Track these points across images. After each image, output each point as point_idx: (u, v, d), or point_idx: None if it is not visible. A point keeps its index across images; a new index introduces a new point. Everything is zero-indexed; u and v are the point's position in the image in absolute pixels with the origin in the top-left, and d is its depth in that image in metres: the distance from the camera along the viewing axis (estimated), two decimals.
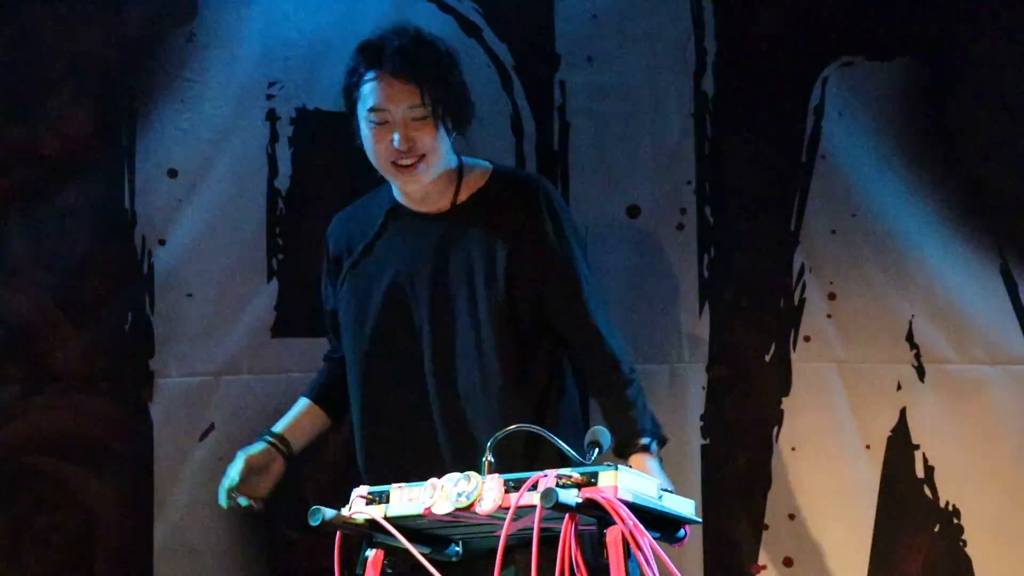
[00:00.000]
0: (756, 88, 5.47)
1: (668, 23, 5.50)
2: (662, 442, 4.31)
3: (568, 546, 3.09)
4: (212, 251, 5.52)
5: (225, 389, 5.54)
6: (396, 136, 4.09)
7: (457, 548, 3.52)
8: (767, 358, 5.56)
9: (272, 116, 5.49)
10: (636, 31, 5.51)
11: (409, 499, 3.27)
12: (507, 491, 3.15)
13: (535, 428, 3.53)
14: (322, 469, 5.41)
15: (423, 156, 4.11)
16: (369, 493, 3.35)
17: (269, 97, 5.50)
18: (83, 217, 5.49)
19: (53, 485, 5.48)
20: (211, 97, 5.55)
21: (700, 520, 3.36)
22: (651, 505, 3.18)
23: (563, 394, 4.40)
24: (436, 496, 3.23)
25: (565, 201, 5.38)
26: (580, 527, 3.11)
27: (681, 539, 3.33)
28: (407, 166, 4.11)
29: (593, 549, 3.27)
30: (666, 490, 3.30)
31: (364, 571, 3.37)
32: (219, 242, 5.53)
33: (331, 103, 5.54)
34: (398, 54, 4.17)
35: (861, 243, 5.39)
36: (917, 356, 5.35)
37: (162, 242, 5.48)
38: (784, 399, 5.41)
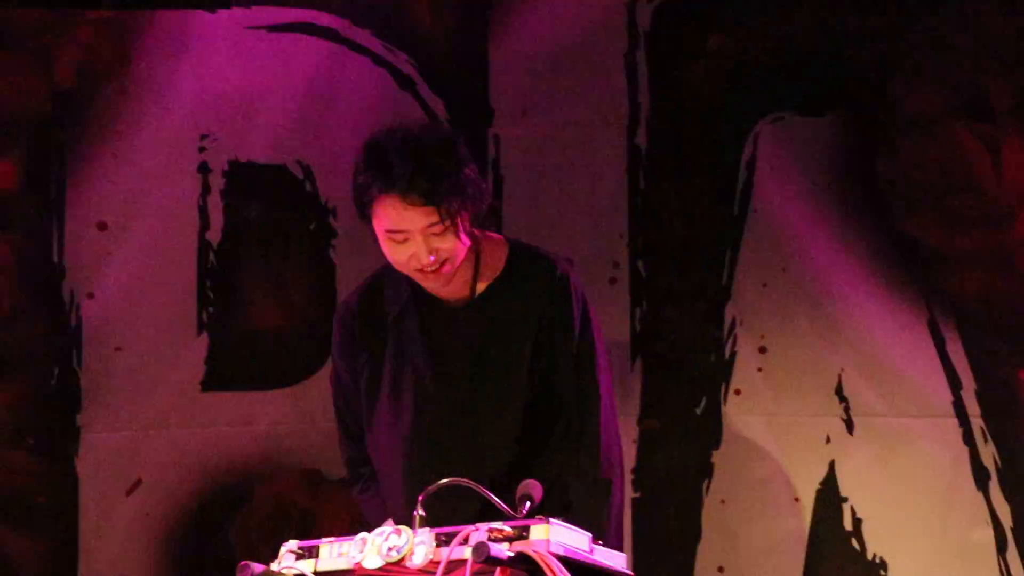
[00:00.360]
0: (689, 142, 5.52)
1: (602, 77, 5.55)
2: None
3: None
4: (141, 304, 5.49)
5: (153, 444, 5.44)
6: (420, 250, 4.03)
7: None
8: (698, 411, 5.55)
9: (204, 168, 5.48)
10: (570, 85, 5.56)
11: (339, 554, 3.22)
12: (439, 545, 3.08)
13: (467, 482, 3.44)
14: (252, 522, 5.34)
15: (446, 260, 4.08)
16: (299, 547, 3.26)
17: (201, 149, 5.51)
18: (10, 270, 5.47)
19: None
20: (142, 149, 5.54)
21: (631, 573, 3.29)
22: (583, 558, 3.14)
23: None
24: (367, 551, 3.17)
25: None
26: None
27: None
28: (432, 272, 4.07)
29: None
30: (597, 543, 3.25)
31: None
32: (149, 295, 5.50)
33: (263, 155, 5.56)
34: (410, 178, 4.05)
35: (792, 297, 5.42)
36: (846, 409, 5.39)
37: (91, 295, 5.45)
38: (715, 452, 5.41)
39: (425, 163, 4.07)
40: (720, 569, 5.52)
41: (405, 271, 4.13)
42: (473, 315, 4.23)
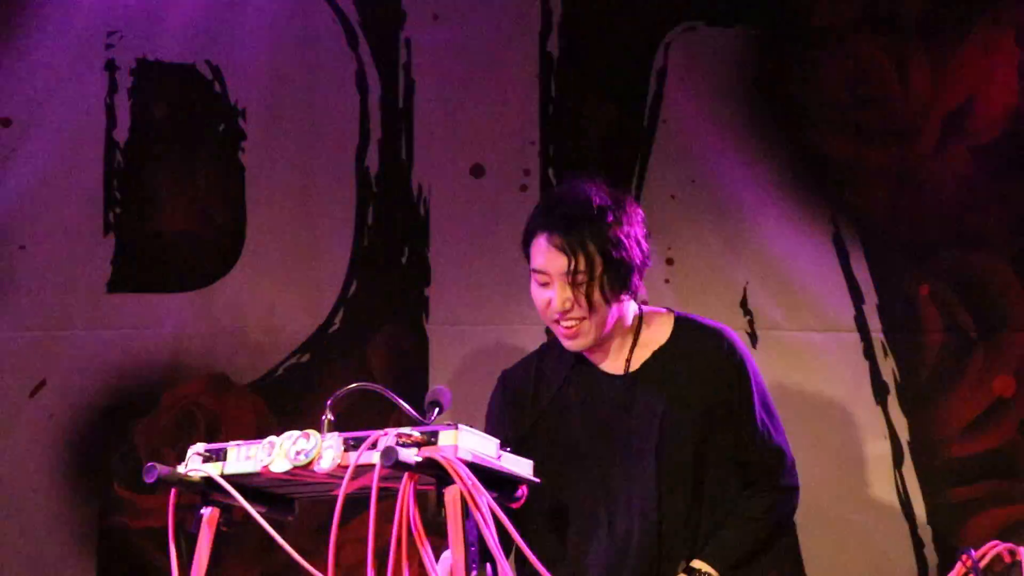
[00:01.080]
0: (600, 50, 5.56)
1: None
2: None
3: (406, 504, 3.07)
4: (46, 203, 5.48)
5: (57, 345, 5.47)
6: (556, 297, 4.05)
7: (294, 507, 3.46)
8: None
9: (111, 66, 5.49)
10: None
11: (247, 457, 3.23)
12: (347, 450, 3.10)
13: (374, 386, 3.46)
14: (157, 425, 5.35)
15: (582, 319, 4.07)
16: (206, 450, 3.28)
17: (108, 47, 5.51)
18: None
19: None
20: (47, 45, 5.53)
21: (538, 480, 3.32)
22: (490, 465, 3.17)
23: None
24: (275, 454, 3.18)
25: (410, 162, 5.55)
26: (419, 486, 3.10)
27: (519, 499, 3.29)
28: (567, 327, 4.08)
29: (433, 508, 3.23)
30: (505, 449, 3.29)
31: (199, 529, 3.31)
32: (54, 194, 5.49)
33: (173, 54, 5.56)
34: (561, 220, 4.11)
35: (700, 209, 5.48)
36: (750, 322, 5.46)
37: None
38: None
39: (583, 213, 4.07)
40: None
41: (546, 320, 4.16)
42: (629, 386, 4.22)
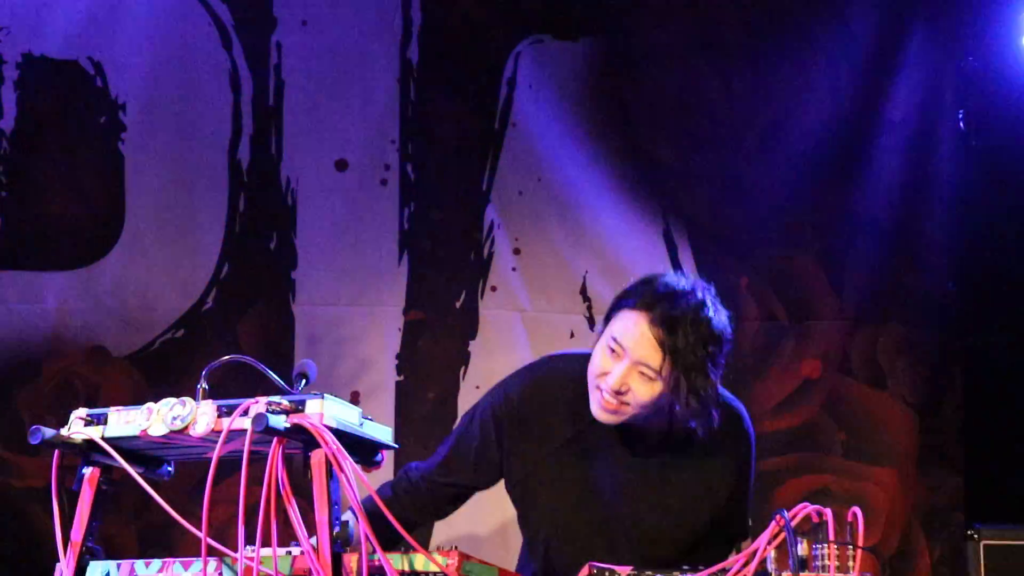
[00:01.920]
0: (456, 58, 5.81)
1: None
2: None
3: (275, 467, 3.18)
4: None
5: None
6: (618, 374, 3.93)
7: (170, 468, 3.54)
8: (458, 305, 5.79)
9: None
10: None
11: (126, 421, 3.31)
12: (220, 416, 3.20)
13: (245, 359, 3.54)
14: (40, 394, 5.49)
15: (629, 403, 3.98)
16: (88, 415, 3.36)
17: None
18: None
19: None
20: None
21: (396, 446, 3.44)
22: (352, 431, 3.29)
23: None
24: (152, 419, 3.28)
25: (279, 156, 5.75)
26: (287, 450, 3.21)
27: (378, 463, 3.42)
28: (609, 402, 3.97)
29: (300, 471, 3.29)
30: (366, 418, 3.38)
31: (80, 488, 3.38)
32: None
33: (57, 51, 5.67)
34: (670, 319, 3.98)
35: (545, 205, 5.74)
36: (589, 308, 5.72)
37: None
38: (471, 342, 5.64)
39: (695, 331, 3.96)
40: None
41: (591, 380, 4.02)
42: (653, 462, 4.17)
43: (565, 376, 4.16)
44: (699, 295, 4.00)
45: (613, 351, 3.91)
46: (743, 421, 4.24)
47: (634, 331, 3.91)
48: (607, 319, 4.03)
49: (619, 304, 4.00)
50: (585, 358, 4.04)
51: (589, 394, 4.02)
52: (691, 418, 4.02)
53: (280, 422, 3.16)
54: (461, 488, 4.37)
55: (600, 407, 3.95)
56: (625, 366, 3.88)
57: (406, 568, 3.32)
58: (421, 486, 4.26)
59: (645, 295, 3.99)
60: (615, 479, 4.14)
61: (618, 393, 3.89)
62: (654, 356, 3.87)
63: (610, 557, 3.87)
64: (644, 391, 3.89)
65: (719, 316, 4.01)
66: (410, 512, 4.17)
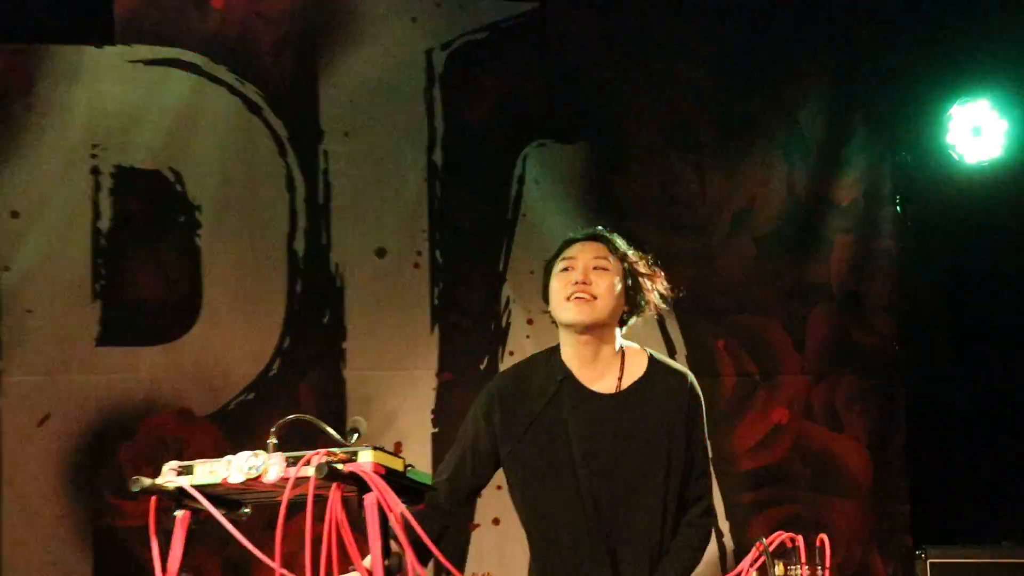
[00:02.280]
0: (474, 160, 6.00)
1: (408, 108, 5.99)
2: None
3: (335, 508, 3.18)
4: (47, 277, 5.73)
5: (58, 387, 5.75)
6: (578, 274, 4.03)
7: (247, 509, 3.49)
8: (482, 367, 5.92)
9: (95, 171, 5.80)
10: (383, 113, 5.99)
11: (210, 471, 3.29)
12: (288, 466, 3.20)
13: (307, 417, 3.46)
14: (137, 449, 5.70)
15: (596, 295, 4.04)
16: (178, 466, 3.32)
17: (93, 156, 5.78)
18: None
19: None
20: (46, 154, 5.76)
21: (434, 488, 3.51)
22: (399, 477, 3.28)
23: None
24: (231, 469, 3.28)
25: (329, 246, 5.90)
26: (345, 493, 3.20)
27: (422, 502, 3.37)
28: (581, 298, 4.02)
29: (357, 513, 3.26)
30: (408, 465, 3.32)
31: (173, 527, 3.35)
32: (53, 269, 5.75)
33: (143, 162, 5.87)
34: (594, 231, 4.23)
35: None
36: None
37: (7, 268, 5.72)
38: None
39: (608, 232, 4.20)
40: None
41: (559, 300, 4.06)
42: (619, 406, 4.11)
43: (535, 361, 4.21)
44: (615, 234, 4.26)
45: (567, 268, 4.04)
46: (686, 375, 4.25)
47: (579, 247, 4.09)
48: (548, 271, 4.13)
49: (558, 251, 4.14)
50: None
51: (560, 313, 4.07)
52: (636, 311, 4.15)
53: (331, 468, 3.18)
54: (467, 485, 4.29)
55: (573, 306, 4.01)
56: (582, 266, 4.02)
57: None
58: (439, 499, 4.20)
59: (572, 237, 4.18)
60: (586, 442, 4.09)
61: (584, 284, 4.00)
62: (601, 250, 4.04)
63: (596, 516, 4.04)
64: (603, 281, 4.01)
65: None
66: (437, 526, 4.11)
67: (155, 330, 5.89)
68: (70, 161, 5.80)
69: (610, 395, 4.10)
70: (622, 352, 4.15)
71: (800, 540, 3.47)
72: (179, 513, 3.35)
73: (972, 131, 6.05)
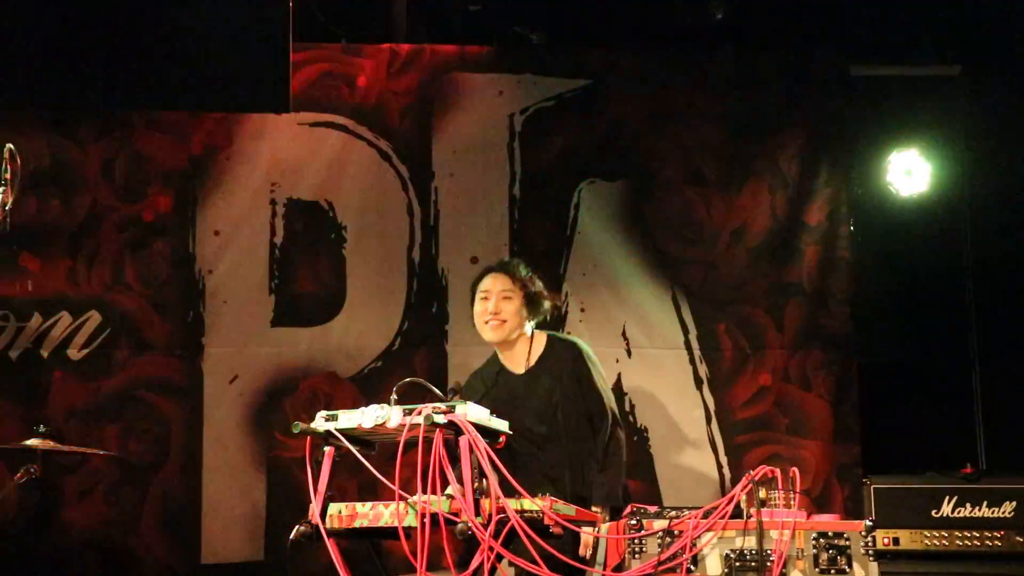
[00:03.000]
0: (542, 194, 6.12)
1: (495, 156, 6.09)
2: (613, 510, 4.38)
3: (438, 447, 3.46)
4: (238, 276, 5.96)
5: (242, 356, 5.89)
6: (491, 303, 4.42)
7: (375, 448, 3.80)
8: None
9: (273, 202, 6.03)
10: (477, 159, 6.10)
11: (349, 419, 3.63)
12: (404, 415, 3.56)
13: (419, 380, 3.82)
14: (298, 401, 5.90)
15: (504, 320, 4.43)
16: (326, 415, 3.67)
17: (271, 191, 6.01)
18: (165, 257, 5.94)
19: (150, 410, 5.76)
20: (239, 189, 5.98)
21: (511, 432, 3.77)
22: (483, 424, 3.61)
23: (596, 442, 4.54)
24: (364, 418, 3.63)
25: (437, 256, 6.00)
26: (446, 436, 3.50)
27: (500, 443, 3.72)
28: (494, 324, 4.42)
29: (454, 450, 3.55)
30: (492, 416, 3.65)
31: (323, 459, 3.66)
32: (243, 272, 5.96)
33: (306, 195, 6.02)
34: (504, 265, 4.60)
35: (598, 281, 6.09)
36: (627, 344, 6.03)
37: (210, 272, 5.93)
38: None
39: (519, 264, 4.63)
40: None
41: (480, 322, 4.54)
42: (528, 379, 4.62)
43: (490, 360, 4.65)
44: (518, 261, 4.60)
45: (484, 298, 4.45)
46: (575, 343, 4.64)
47: (490, 279, 4.50)
48: (472, 294, 4.52)
49: (476, 281, 4.55)
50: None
51: (482, 333, 4.49)
52: (537, 316, 4.55)
53: (440, 419, 3.44)
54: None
55: (489, 330, 4.48)
56: (493, 298, 4.45)
57: (518, 508, 3.50)
58: None
59: (488, 267, 4.59)
60: (510, 405, 4.43)
61: (495, 314, 4.46)
62: (507, 282, 4.47)
63: (531, 447, 4.42)
64: (509, 308, 4.47)
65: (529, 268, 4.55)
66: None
67: (312, 316, 6.05)
68: (255, 194, 5.99)
69: (522, 373, 4.54)
70: (531, 338, 4.52)
71: (778, 472, 3.78)
72: (327, 449, 3.63)
73: (905, 172, 6.15)
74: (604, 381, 4.61)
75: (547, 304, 4.57)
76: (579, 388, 4.50)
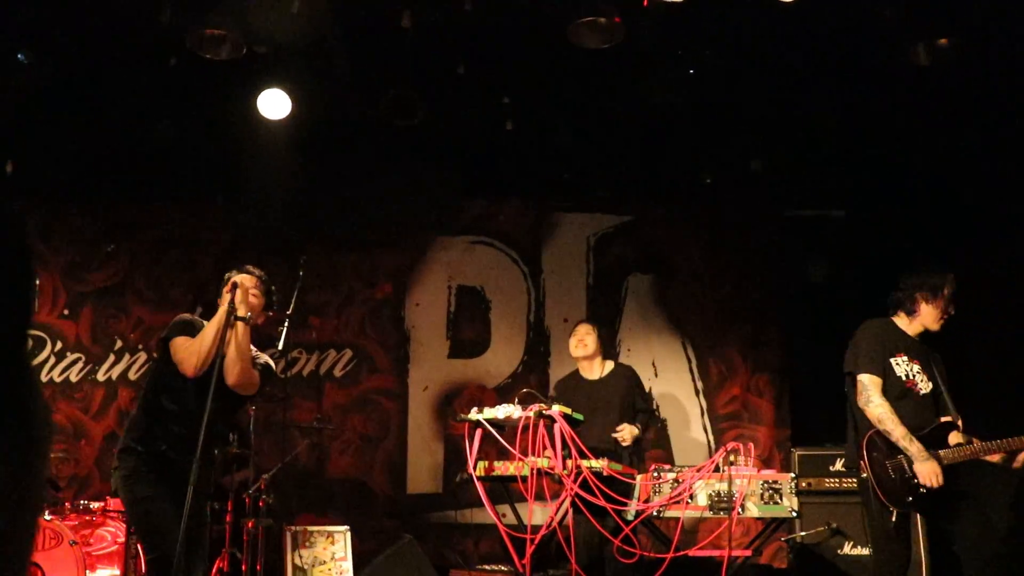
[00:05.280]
0: (604, 283, 7.16)
1: (578, 261, 7.20)
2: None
3: (539, 430, 3.95)
4: (430, 329, 6.69)
5: (430, 374, 6.61)
6: (582, 343, 4.69)
7: (504, 430, 4.08)
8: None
9: (449, 289, 6.86)
10: (568, 263, 7.18)
11: (491, 412, 4.21)
12: (523, 411, 4.06)
13: (531, 391, 4.14)
14: (460, 402, 6.63)
15: (588, 346, 4.68)
16: (477, 408, 4.13)
17: (448, 282, 6.77)
18: (388, 317, 6.74)
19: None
20: (430, 283, 6.76)
21: (582, 419, 4.22)
22: (569, 416, 4.12)
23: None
24: (499, 411, 4.23)
25: (542, 316, 6.74)
26: (544, 423, 4.04)
27: (578, 427, 4.08)
28: (581, 355, 4.66)
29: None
30: (574, 412, 4.04)
31: (475, 436, 4.10)
32: (431, 326, 6.70)
33: (469, 284, 6.74)
34: (584, 320, 4.85)
35: (639, 334, 6.99)
36: (655, 370, 6.91)
37: (413, 327, 6.73)
38: None
39: (591, 321, 5.06)
40: None
41: (575, 355, 5.19)
42: (596, 385, 5.25)
43: (567, 376, 5.24)
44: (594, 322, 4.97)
45: (577, 344, 5.22)
46: (630, 366, 5.38)
47: (582, 328, 5.28)
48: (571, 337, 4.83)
49: (573, 329, 4.98)
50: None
51: (573, 353, 5.01)
52: (607, 347, 5.02)
53: (541, 413, 4.15)
54: None
55: (582, 359, 5.17)
56: (582, 334, 5.21)
57: (588, 465, 4.04)
58: None
59: (579, 322, 5.07)
60: (588, 400, 5.04)
61: (583, 343, 5.21)
62: (589, 328, 5.26)
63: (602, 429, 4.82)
64: (591, 340, 5.28)
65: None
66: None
67: (471, 352, 7.15)
68: (439, 284, 7.21)
69: (596, 379, 5.25)
70: (603, 362, 5.33)
71: (741, 445, 4.47)
72: (477, 430, 4.30)
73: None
74: (645, 391, 5.46)
75: (609, 343, 5.23)
76: (635, 392, 5.33)
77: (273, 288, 4.20)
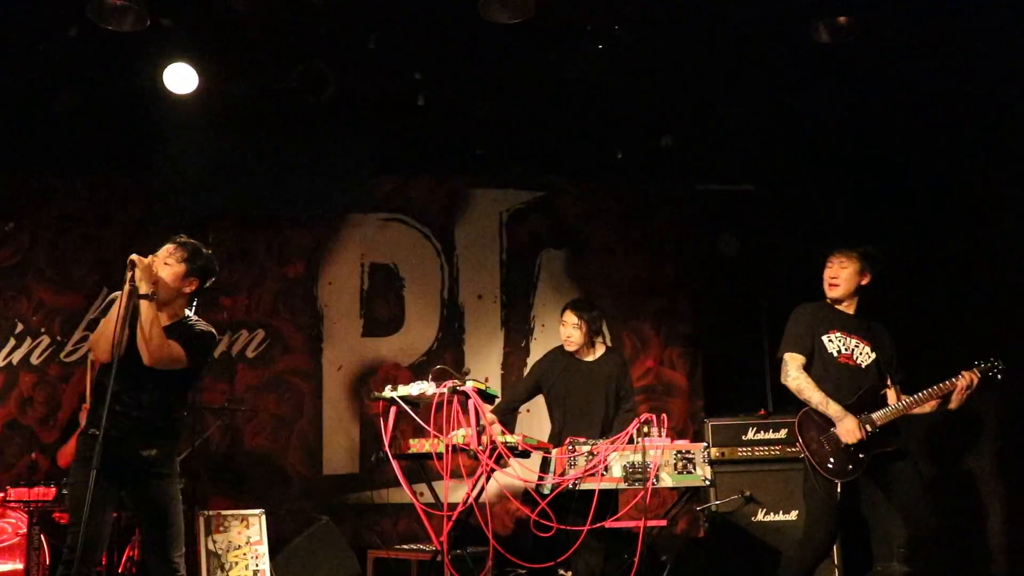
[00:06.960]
0: (518, 259, 6.99)
1: (490, 235, 6.98)
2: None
3: (454, 407, 3.92)
4: (342, 308, 6.50)
5: (344, 354, 6.48)
6: (569, 336, 4.58)
7: (419, 407, 4.04)
8: (521, 346, 6.83)
9: (362, 266, 6.70)
10: (481, 238, 6.90)
11: (405, 390, 4.05)
12: (436, 388, 3.99)
13: (446, 368, 4.04)
14: (375, 381, 6.38)
15: (575, 344, 4.58)
16: (391, 386, 3.95)
17: (361, 259, 6.63)
18: (301, 297, 6.56)
19: None
20: (343, 260, 6.57)
21: (498, 396, 4.14)
22: (483, 391, 4.07)
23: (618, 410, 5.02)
24: (412, 388, 4.10)
25: (456, 291, 6.47)
26: (459, 399, 3.92)
27: (493, 402, 4.09)
28: (569, 348, 4.54)
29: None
30: (488, 386, 4.00)
31: (390, 413, 3.97)
32: (344, 305, 6.53)
33: (372, 261, 6.58)
34: (573, 302, 4.83)
35: (552, 309, 6.67)
36: (661, 364, 6.74)
37: (326, 305, 6.51)
38: None
39: (589, 304, 4.89)
40: None
41: (564, 340, 5.07)
42: (591, 367, 5.13)
43: (557, 349, 5.16)
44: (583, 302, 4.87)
45: (566, 335, 5.10)
46: (621, 353, 5.36)
47: (567, 321, 5.06)
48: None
49: (562, 311, 4.95)
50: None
51: (565, 344, 4.93)
52: (597, 335, 5.02)
53: (455, 389, 4.10)
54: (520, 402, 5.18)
55: (570, 347, 5.05)
56: (569, 328, 5.06)
57: (505, 441, 4.02)
58: (502, 406, 5.03)
59: (566, 307, 4.93)
60: (578, 383, 5.00)
61: (570, 341, 5.09)
62: (576, 324, 5.07)
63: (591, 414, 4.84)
64: (576, 335, 5.12)
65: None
66: (501, 417, 4.83)
67: (386, 330, 7.00)
68: (352, 262, 7.01)
69: (586, 362, 5.15)
70: (595, 345, 5.24)
71: (654, 417, 4.50)
72: (392, 408, 4.26)
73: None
74: (631, 380, 5.28)
75: (597, 328, 5.00)
76: (621, 378, 5.29)
77: (205, 251, 4.08)
